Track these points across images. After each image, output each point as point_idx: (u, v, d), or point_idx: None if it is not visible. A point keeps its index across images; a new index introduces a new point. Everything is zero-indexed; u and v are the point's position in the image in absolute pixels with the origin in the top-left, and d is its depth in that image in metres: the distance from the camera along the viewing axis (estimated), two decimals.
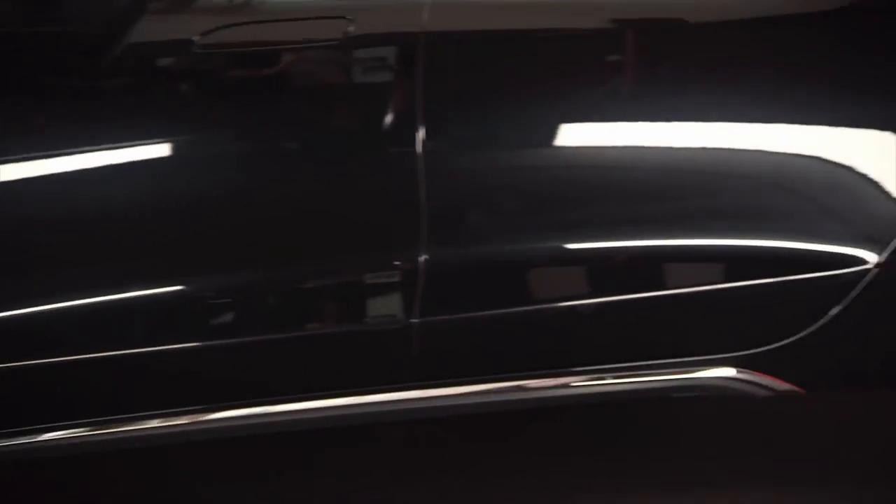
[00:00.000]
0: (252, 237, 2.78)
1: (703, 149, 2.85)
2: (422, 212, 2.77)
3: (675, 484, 3.24)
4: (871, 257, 2.87)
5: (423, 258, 2.78)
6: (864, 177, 2.85)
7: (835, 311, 2.89)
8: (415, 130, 2.75)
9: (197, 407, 2.78)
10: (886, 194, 2.85)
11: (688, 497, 3.17)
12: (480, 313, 2.82)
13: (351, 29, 2.74)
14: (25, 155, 2.68)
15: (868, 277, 2.88)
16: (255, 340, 2.77)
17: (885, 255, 2.87)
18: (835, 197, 2.86)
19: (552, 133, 2.85)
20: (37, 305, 2.70)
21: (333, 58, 2.78)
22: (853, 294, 2.88)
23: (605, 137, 2.86)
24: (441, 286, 2.81)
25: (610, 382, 2.88)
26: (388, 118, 2.77)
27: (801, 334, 2.91)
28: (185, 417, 2.77)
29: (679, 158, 2.84)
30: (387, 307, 2.80)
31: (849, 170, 2.84)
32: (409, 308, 2.79)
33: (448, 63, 2.80)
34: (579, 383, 2.88)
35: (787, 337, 2.91)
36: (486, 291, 2.84)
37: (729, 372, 2.90)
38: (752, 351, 2.91)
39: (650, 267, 2.88)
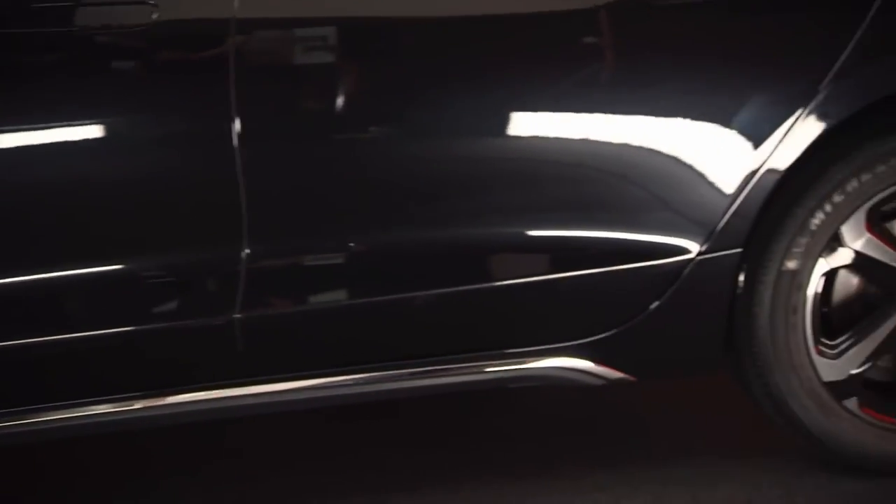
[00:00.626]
0: (63, 231, 2.75)
1: (529, 139, 2.90)
2: (241, 205, 2.76)
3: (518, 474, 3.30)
4: (693, 247, 2.97)
5: (244, 252, 2.79)
6: (686, 167, 2.94)
7: (660, 299, 2.99)
8: (230, 122, 2.72)
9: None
10: (708, 184, 2.95)
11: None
12: (303, 307, 2.86)
13: (155, 16, 2.69)
14: None
15: (691, 266, 2.98)
16: (76, 338, 2.76)
17: (707, 244, 2.97)
18: (659, 187, 2.95)
19: (371, 122, 2.86)
20: None
21: (138, 45, 2.72)
22: (677, 283, 2.98)
23: (428, 126, 2.88)
24: (263, 281, 2.82)
25: (443, 374, 2.94)
26: (201, 109, 2.73)
27: (630, 323, 3.00)
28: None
29: (506, 149, 2.91)
30: (209, 302, 2.80)
31: (671, 160, 2.93)
32: (232, 303, 2.80)
33: (260, 52, 2.78)
34: (409, 376, 2.92)
35: (617, 326, 3.00)
36: (309, 285, 2.87)
37: (561, 361, 2.98)
38: (583, 340, 2.99)
39: (480, 258, 2.94)
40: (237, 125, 2.73)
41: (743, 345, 3.12)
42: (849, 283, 3.18)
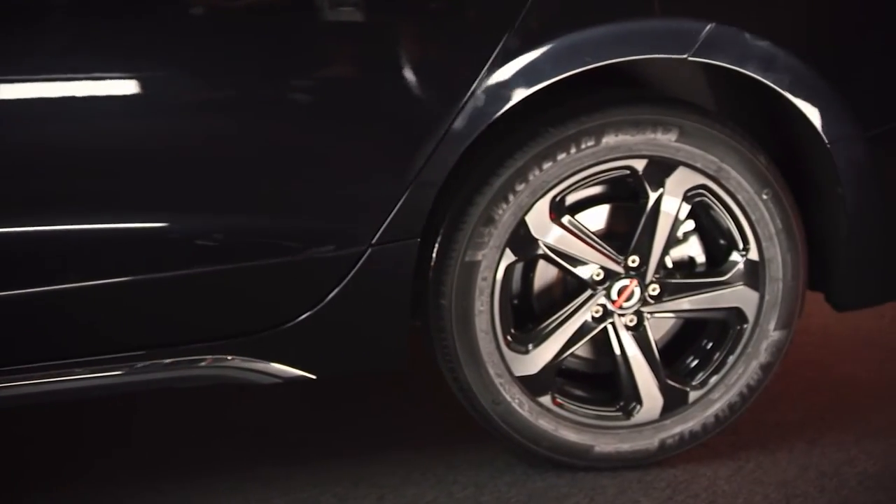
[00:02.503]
0: None
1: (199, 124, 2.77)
2: None
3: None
4: (364, 237, 2.86)
5: None
6: (351, 156, 2.83)
7: (333, 292, 2.87)
8: None
9: None
10: (377, 174, 2.85)
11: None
12: None
13: None
14: None
15: (364, 258, 2.87)
16: None
17: (379, 234, 2.87)
18: (324, 176, 2.83)
19: None
20: None
21: None
22: (350, 275, 2.87)
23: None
24: None
25: (97, 376, 2.79)
26: None
27: (302, 318, 2.88)
28: None
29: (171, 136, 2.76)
30: None
31: (336, 149, 2.82)
32: None
33: None
34: (59, 378, 2.78)
35: (288, 321, 2.88)
36: None
37: (229, 360, 2.86)
38: (251, 337, 2.87)
39: (126, 249, 2.78)
40: None
41: (434, 338, 3.03)
42: (546, 274, 3.11)
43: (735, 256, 3.11)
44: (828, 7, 3.03)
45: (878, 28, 3.06)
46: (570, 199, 3.06)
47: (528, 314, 3.13)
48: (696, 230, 3.15)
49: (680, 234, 3.14)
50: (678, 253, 3.16)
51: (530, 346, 3.05)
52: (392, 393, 3.56)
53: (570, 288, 3.10)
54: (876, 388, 3.62)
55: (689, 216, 3.12)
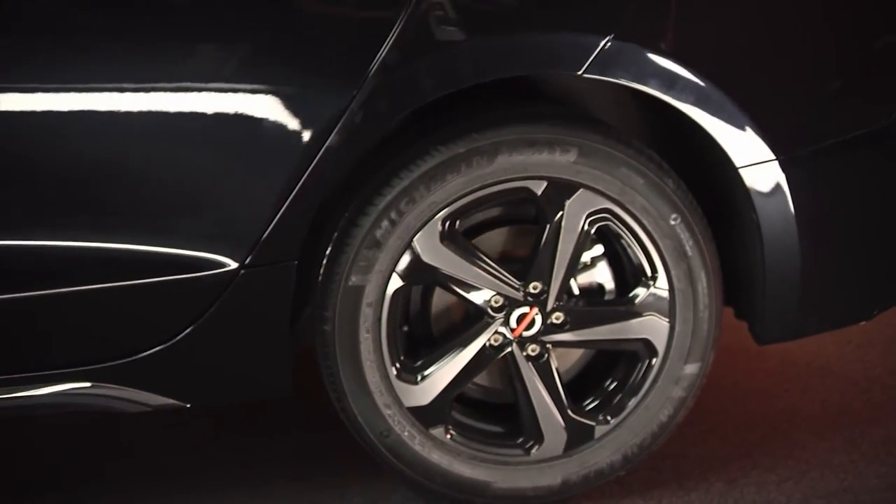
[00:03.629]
0: None
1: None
2: None
3: None
4: (234, 259, 2.71)
5: None
6: (216, 174, 2.68)
7: (204, 316, 2.73)
8: None
9: None
10: (246, 194, 2.69)
11: None
12: None
13: None
14: None
15: (236, 280, 2.72)
16: None
17: (251, 256, 2.71)
18: (187, 196, 2.69)
19: None
20: None
21: None
22: (222, 298, 2.72)
23: None
24: None
25: None
26: None
27: (171, 343, 2.73)
28: None
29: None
30: None
31: (199, 167, 2.67)
32: None
33: None
34: None
35: (155, 346, 2.73)
36: None
37: (84, 386, 2.71)
38: (116, 362, 2.72)
39: None
40: None
41: (321, 365, 2.87)
42: (445, 298, 2.95)
43: (643, 285, 2.93)
44: (737, 26, 2.83)
45: (790, 51, 2.86)
46: (467, 221, 2.89)
47: (428, 340, 2.97)
48: (605, 255, 2.98)
49: (588, 259, 2.96)
50: (587, 280, 2.99)
51: (421, 376, 2.89)
52: (285, 418, 3.40)
53: (470, 314, 2.93)
54: (817, 423, 3.42)
55: (598, 240, 2.95)
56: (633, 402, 2.96)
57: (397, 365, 2.87)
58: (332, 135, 2.65)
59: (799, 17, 2.83)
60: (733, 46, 2.81)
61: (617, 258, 2.97)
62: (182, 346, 2.73)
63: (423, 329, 2.97)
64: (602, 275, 2.99)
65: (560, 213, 2.84)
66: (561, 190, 2.82)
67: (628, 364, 2.99)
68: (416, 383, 2.88)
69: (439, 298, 2.96)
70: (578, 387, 3.01)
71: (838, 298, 2.99)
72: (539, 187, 2.82)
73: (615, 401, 2.97)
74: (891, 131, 2.91)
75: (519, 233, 2.94)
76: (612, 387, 3.00)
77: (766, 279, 2.90)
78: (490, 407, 3.03)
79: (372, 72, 2.63)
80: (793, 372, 3.74)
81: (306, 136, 2.65)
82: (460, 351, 2.89)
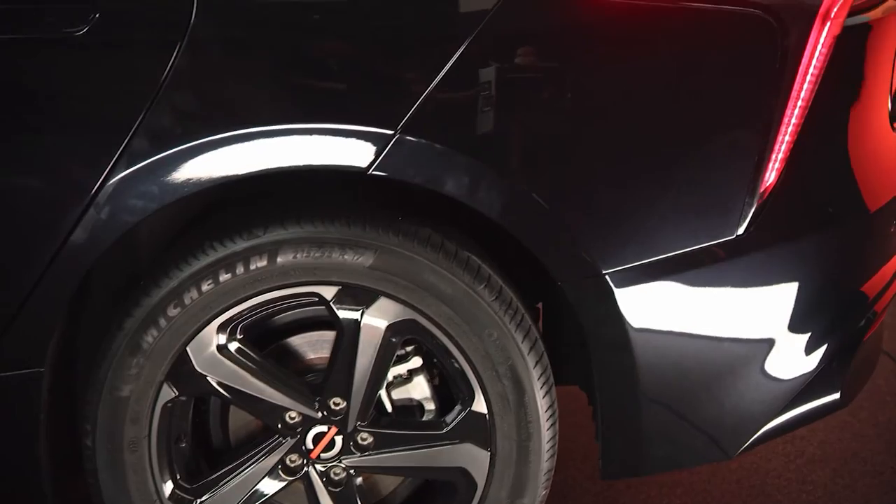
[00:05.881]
0: None
1: None
2: None
3: None
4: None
5: None
6: None
7: None
8: None
9: None
10: None
11: None
12: None
13: None
14: None
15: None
16: None
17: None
18: None
19: None
20: None
21: None
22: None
23: None
24: None
25: None
26: None
27: None
28: None
29: None
30: None
31: None
32: None
33: None
34: None
35: None
36: None
37: None
38: None
39: None
40: None
41: (89, 484, 2.54)
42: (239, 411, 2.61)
43: (458, 407, 2.55)
44: (551, 135, 2.40)
45: (608, 169, 2.43)
46: (264, 324, 2.54)
47: (227, 457, 2.62)
48: (424, 369, 2.60)
49: (405, 371, 2.59)
50: (404, 395, 2.62)
51: (199, 500, 2.54)
52: None
53: (265, 429, 2.58)
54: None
55: (418, 352, 2.58)
56: None
57: (171, 487, 2.53)
58: (75, 229, 2.32)
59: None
60: (549, 159, 2.40)
61: (442, 372, 2.59)
62: None
63: (224, 443, 2.63)
64: (420, 391, 2.61)
65: (356, 322, 2.47)
66: (357, 297, 2.46)
67: (445, 497, 2.61)
68: None
69: (234, 409, 2.61)
70: None
71: None
72: (330, 293, 2.45)
73: None
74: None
75: (322, 340, 2.58)
76: None
77: (602, 408, 2.51)
78: None
79: (116, 159, 2.28)
80: None
81: (43, 231, 2.32)
82: (244, 472, 2.54)
